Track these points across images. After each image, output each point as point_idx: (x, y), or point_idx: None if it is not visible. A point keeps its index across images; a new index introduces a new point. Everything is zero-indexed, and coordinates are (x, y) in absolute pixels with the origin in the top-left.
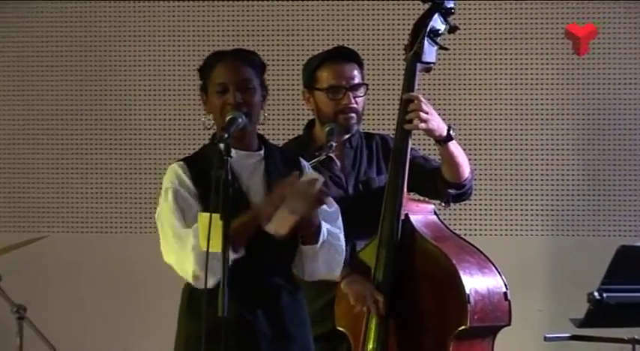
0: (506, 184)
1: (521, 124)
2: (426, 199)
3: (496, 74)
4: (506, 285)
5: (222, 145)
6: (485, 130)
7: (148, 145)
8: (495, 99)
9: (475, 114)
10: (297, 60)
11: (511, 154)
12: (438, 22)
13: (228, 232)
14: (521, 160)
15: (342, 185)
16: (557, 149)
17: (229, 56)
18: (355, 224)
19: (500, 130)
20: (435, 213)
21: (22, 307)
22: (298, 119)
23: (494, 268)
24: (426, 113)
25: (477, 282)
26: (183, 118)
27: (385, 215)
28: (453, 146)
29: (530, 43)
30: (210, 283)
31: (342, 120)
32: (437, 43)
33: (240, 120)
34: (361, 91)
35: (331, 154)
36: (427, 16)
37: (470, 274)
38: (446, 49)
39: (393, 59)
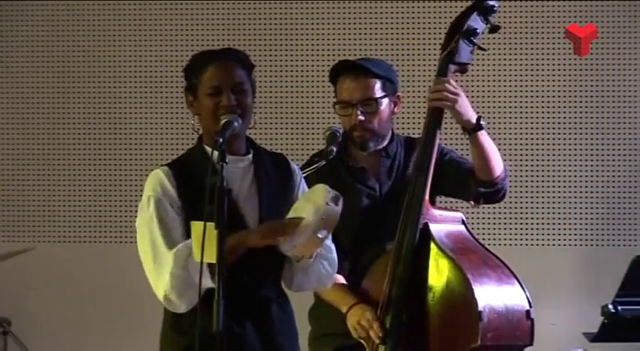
0: (514, 193)
1: (521, 125)
2: (453, 207)
3: (496, 75)
4: (530, 303)
5: (216, 151)
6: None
7: (139, 151)
8: (495, 99)
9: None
10: (294, 61)
11: (518, 159)
12: (476, 22)
13: (224, 241)
14: (527, 165)
15: (374, 196)
16: (565, 154)
17: (222, 57)
18: (386, 233)
19: (499, 130)
20: (463, 222)
21: (7, 321)
22: (295, 119)
23: (517, 285)
24: (454, 94)
25: (493, 298)
26: (173, 125)
27: (401, 224)
28: (483, 137)
29: (531, 43)
30: (183, 309)
31: (355, 137)
32: (474, 43)
33: (236, 124)
34: (374, 106)
35: (364, 165)
36: (465, 15)
37: (486, 290)
38: (483, 49)
39: (422, 60)
